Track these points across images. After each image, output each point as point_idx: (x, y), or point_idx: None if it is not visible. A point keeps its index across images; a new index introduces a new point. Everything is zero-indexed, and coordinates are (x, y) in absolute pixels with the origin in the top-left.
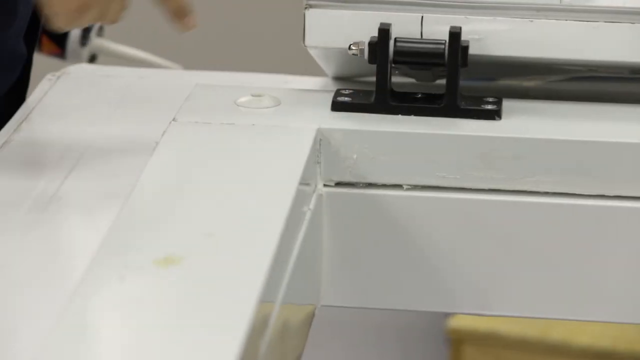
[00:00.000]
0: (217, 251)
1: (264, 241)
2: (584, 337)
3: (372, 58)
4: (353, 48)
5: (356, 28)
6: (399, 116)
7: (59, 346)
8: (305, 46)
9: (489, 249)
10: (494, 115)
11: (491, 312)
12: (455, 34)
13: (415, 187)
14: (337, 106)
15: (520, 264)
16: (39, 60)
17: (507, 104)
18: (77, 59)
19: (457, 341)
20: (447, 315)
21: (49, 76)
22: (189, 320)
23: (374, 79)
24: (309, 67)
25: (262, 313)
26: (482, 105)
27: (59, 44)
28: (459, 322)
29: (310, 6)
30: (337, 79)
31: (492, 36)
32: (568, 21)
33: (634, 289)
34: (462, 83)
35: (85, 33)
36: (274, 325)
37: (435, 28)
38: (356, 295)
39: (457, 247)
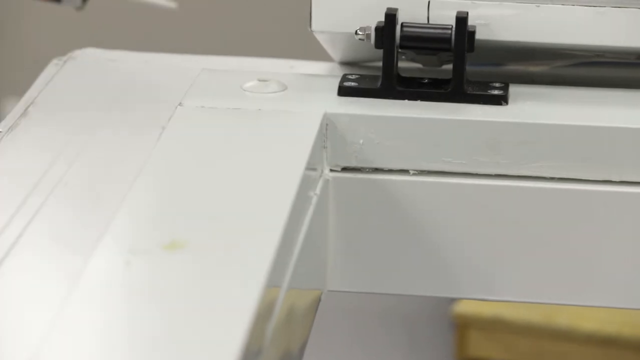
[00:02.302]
0: (223, 236)
1: (270, 226)
2: (590, 323)
3: (379, 43)
4: (360, 33)
5: (363, 13)
6: (406, 101)
7: (65, 333)
8: (311, 31)
9: (495, 234)
10: (501, 100)
11: (496, 298)
12: (461, 19)
13: (421, 172)
14: (343, 91)
15: (525, 249)
16: (46, 45)
17: (513, 89)
18: (71, 3)
19: (463, 326)
20: (452, 300)
21: (55, 61)
22: (195, 305)
23: (380, 64)
24: (315, 52)
25: (268, 298)
26: (489, 91)
27: None
28: (464, 307)
29: None
30: (344, 63)
31: (498, 21)
32: (575, 6)
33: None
34: (469, 68)
35: None
36: (280, 310)
37: (442, 13)
38: (362, 280)
39: (462, 232)
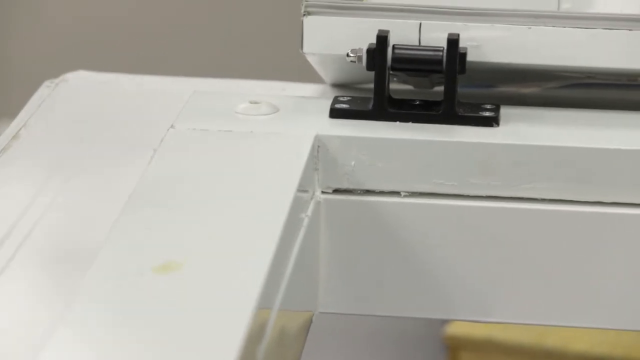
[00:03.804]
0: (214, 257)
1: (261, 247)
2: (581, 344)
3: (370, 65)
4: (351, 55)
5: (354, 35)
6: (397, 123)
7: (56, 355)
8: (303, 53)
9: (487, 256)
10: (492, 122)
11: (488, 319)
12: (453, 41)
13: (412, 194)
14: (335, 113)
15: (518, 271)
16: (38, 67)
17: (504, 110)
18: None
19: (454, 348)
20: (443, 322)
21: (47, 83)
22: (185, 327)
23: (372, 86)
24: (307, 74)
25: (260, 319)
26: (480, 112)
27: None
28: (455, 329)
29: (309, 13)
30: (335, 85)
31: (490, 43)
32: (566, 28)
33: (631, 295)
34: (460, 90)
35: None
36: (272, 332)
37: (434, 35)
38: (354, 302)
39: (454, 253)
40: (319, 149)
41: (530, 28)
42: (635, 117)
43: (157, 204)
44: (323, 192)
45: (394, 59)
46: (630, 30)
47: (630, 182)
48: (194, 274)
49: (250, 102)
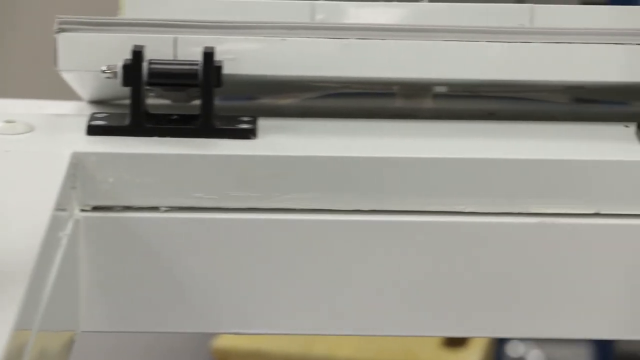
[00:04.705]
0: None
1: (18, 268)
2: (346, 350)
3: (126, 80)
4: (107, 71)
5: (110, 51)
6: (155, 138)
7: None
8: (58, 70)
9: (248, 268)
10: (249, 134)
11: (252, 331)
12: (208, 54)
13: (172, 209)
14: (92, 130)
15: (279, 281)
16: None
17: (262, 122)
18: None
19: None
20: (211, 335)
21: None
22: None
23: (129, 101)
24: (63, 92)
25: (17, 341)
26: (237, 125)
27: None
28: (223, 342)
29: (62, 30)
30: (93, 102)
31: (245, 55)
32: (320, 39)
33: (386, 302)
34: (219, 103)
35: None
36: (31, 353)
37: (190, 49)
38: (117, 320)
39: (216, 267)
40: (77, 166)
41: (284, 40)
42: (392, 125)
43: None
44: (82, 210)
45: (149, 74)
46: (383, 40)
47: (388, 189)
48: None
49: (5, 122)
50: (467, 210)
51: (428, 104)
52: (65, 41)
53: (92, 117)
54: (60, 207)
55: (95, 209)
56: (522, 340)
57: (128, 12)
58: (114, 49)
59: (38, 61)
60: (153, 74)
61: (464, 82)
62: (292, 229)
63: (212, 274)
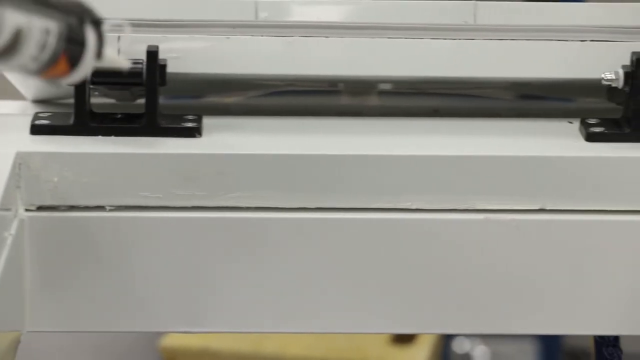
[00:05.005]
0: None
1: None
2: (297, 348)
3: None
4: None
5: None
6: (99, 137)
7: None
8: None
9: (195, 266)
10: (194, 132)
11: (198, 329)
12: (152, 53)
13: (118, 208)
14: (36, 129)
15: (226, 279)
16: None
17: (208, 121)
18: None
19: (170, 359)
20: (160, 333)
21: None
22: None
23: (73, 100)
24: (6, 91)
25: None
26: (182, 123)
27: None
28: (171, 341)
29: None
30: (37, 101)
31: (189, 54)
32: (263, 37)
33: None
34: (165, 102)
35: None
36: None
37: (134, 48)
38: (63, 319)
39: (162, 265)
40: (21, 166)
41: (228, 38)
42: (337, 123)
43: None
44: (27, 210)
45: (93, 73)
46: (327, 37)
47: (333, 187)
48: None
49: None
50: (413, 207)
51: (373, 101)
52: None
53: (36, 117)
54: (4, 206)
55: (40, 208)
56: (467, 336)
57: None
58: None
59: None
60: (97, 72)
61: (409, 79)
62: (237, 227)
63: (158, 273)
